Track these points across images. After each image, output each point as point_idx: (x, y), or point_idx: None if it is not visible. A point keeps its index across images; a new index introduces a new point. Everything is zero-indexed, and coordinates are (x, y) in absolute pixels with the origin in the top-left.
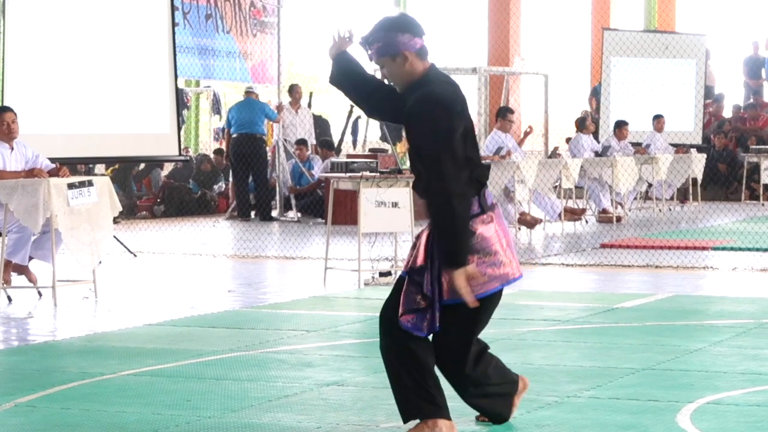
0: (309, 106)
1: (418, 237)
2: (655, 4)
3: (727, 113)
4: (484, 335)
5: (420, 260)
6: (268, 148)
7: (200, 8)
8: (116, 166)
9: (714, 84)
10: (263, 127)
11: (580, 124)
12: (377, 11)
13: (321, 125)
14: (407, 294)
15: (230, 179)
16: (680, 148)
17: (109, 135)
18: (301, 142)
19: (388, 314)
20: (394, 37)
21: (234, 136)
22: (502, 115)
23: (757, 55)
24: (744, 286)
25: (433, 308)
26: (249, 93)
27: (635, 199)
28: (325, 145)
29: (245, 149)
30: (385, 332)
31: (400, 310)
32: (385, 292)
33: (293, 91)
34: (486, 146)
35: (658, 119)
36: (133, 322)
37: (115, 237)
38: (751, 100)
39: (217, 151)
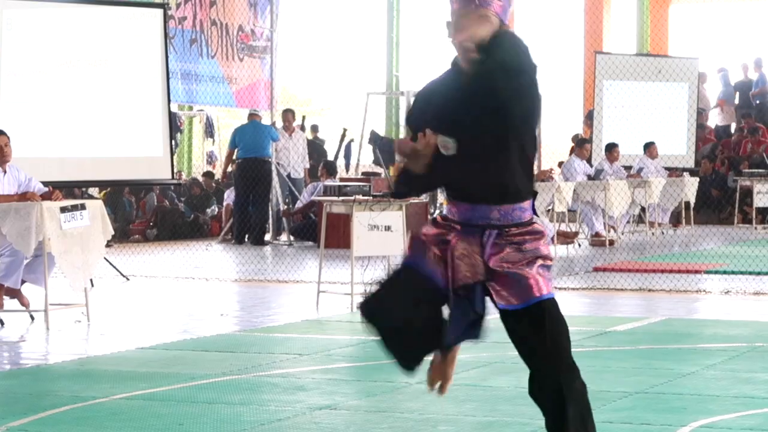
0: (302, 128)
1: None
2: (648, 27)
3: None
4: (478, 358)
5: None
6: None
7: (185, 33)
8: (108, 189)
9: (709, 107)
10: (269, 149)
11: (578, 144)
12: (368, 34)
13: (318, 149)
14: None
15: (224, 202)
16: (673, 172)
17: (102, 158)
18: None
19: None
20: (509, 4)
21: (240, 160)
22: None
23: (747, 78)
24: (737, 310)
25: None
26: (253, 116)
27: (628, 222)
28: (327, 166)
29: (252, 173)
30: None
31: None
32: None
33: (286, 115)
34: None
35: (650, 146)
36: (126, 346)
37: (107, 260)
38: (743, 124)
39: (207, 174)
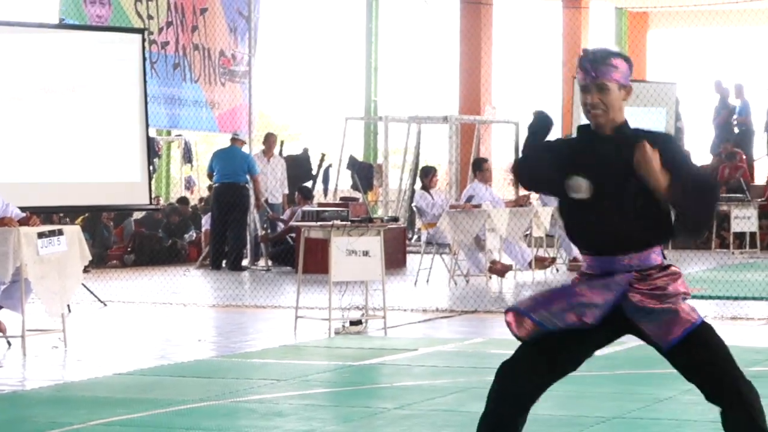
0: (280, 154)
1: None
2: (626, 52)
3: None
4: (455, 383)
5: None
6: None
7: (168, 57)
8: (86, 215)
9: (683, 133)
10: (246, 176)
11: None
12: (347, 60)
13: (301, 165)
14: None
15: (202, 228)
16: None
17: (80, 184)
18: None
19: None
20: (630, 69)
21: (216, 185)
22: (479, 167)
23: (726, 103)
24: None
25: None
26: (235, 140)
27: None
28: (303, 192)
29: (228, 198)
30: None
31: None
32: (356, 341)
33: (268, 139)
34: (462, 196)
35: None
36: (103, 372)
37: (84, 286)
38: (721, 149)
39: (181, 200)
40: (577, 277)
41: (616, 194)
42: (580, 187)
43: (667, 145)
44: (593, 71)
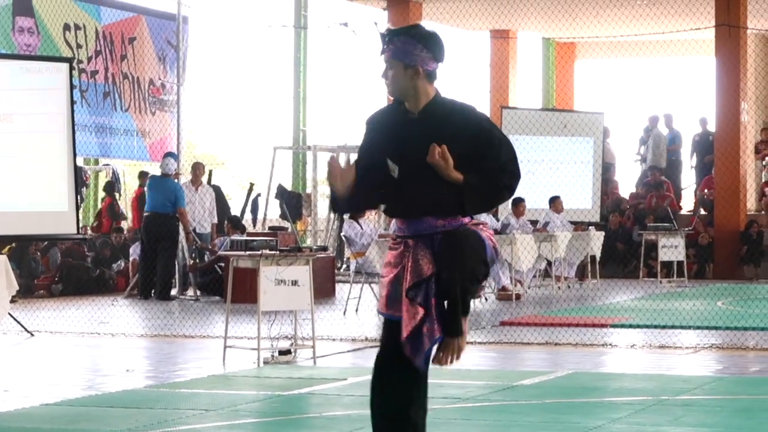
0: (209, 183)
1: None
2: (554, 82)
3: (626, 191)
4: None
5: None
6: None
7: (98, 86)
8: (13, 245)
9: (614, 162)
10: (174, 208)
11: None
12: (275, 90)
13: (221, 200)
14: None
15: (130, 257)
16: (579, 226)
17: (6, 213)
18: None
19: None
20: (416, 49)
21: (146, 214)
22: None
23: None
24: (642, 363)
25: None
26: (166, 175)
27: (534, 276)
28: (232, 222)
29: (157, 228)
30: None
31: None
32: (285, 371)
33: (196, 169)
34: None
35: (555, 201)
36: (30, 402)
37: (11, 316)
38: (648, 178)
39: (116, 230)
40: (391, 237)
41: (420, 172)
42: (393, 170)
43: (479, 140)
44: (385, 46)
